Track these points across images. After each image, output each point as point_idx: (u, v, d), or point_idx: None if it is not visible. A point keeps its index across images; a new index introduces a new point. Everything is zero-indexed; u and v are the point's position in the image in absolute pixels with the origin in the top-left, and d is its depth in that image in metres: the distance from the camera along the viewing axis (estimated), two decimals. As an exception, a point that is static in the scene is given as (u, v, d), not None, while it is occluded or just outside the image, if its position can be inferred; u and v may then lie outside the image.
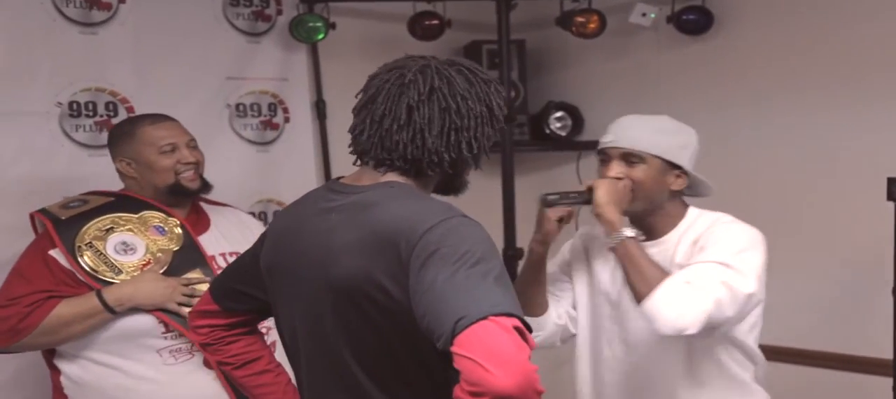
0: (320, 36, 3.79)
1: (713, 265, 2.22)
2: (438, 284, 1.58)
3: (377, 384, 1.78)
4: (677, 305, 2.15)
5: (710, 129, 3.91)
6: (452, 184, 1.92)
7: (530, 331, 1.55)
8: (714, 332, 2.23)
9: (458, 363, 1.49)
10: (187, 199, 2.92)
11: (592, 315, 2.56)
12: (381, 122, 1.80)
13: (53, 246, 2.69)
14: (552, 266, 2.63)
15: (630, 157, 2.36)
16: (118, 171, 2.88)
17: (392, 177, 1.82)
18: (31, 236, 3.17)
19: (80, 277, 2.64)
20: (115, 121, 3.40)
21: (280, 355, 2.15)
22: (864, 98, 3.53)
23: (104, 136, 3.36)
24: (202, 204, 3.01)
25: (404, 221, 1.69)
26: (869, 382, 3.49)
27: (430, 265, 1.61)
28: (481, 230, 1.70)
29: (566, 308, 2.60)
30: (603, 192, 2.28)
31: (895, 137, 3.45)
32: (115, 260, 2.68)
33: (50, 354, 2.75)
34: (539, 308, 2.54)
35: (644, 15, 3.89)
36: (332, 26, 3.79)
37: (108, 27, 3.42)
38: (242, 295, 2.06)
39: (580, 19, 3.93)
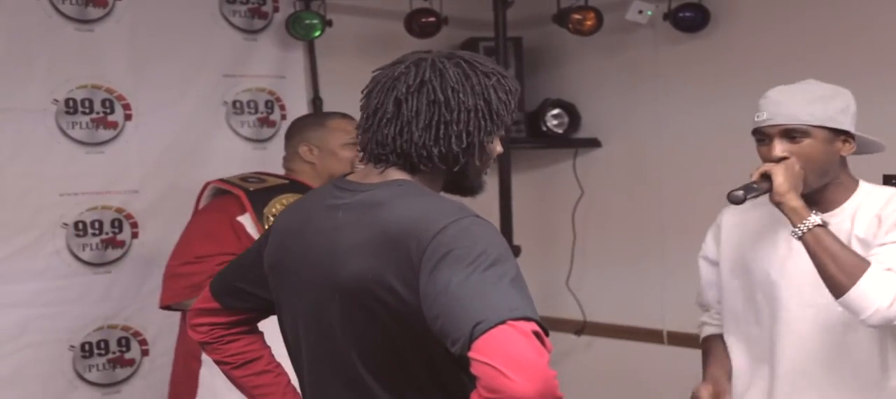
0: (317, 33, 3.77)
1: None
2: (453, 287, 1.55)
3: (384, 386, 1.75)
4: (885, 293, 2.03)
5: (707, 127, 3.93)
6: (463, 183, 1.87)
7: (547, 334, 1.52)
8: None
9: (477, 369, 1.47)
10: None
11: (740, 297, 2.44)
12: (374, 115, 1.79)
13: (242, 213, 2.87)
14: (704, 267, 2.57)
15: (792, 133, 2.20)
16: (296, 154, 3.05)
17: (396, 174, 1.79)
18: (27, 233, 3.25)
19: None
20: (111, 118, 3.42)
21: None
22: (860, 95, 3.51)
23: (101, 134, 3.41)
24: None
25: (414, 222, 1.66)
26: None
27: (443, 267, 1.58)
28: (494, 230, 1.68)
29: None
30: (782, 180, 2.13)
31: (891, 134, 3.45)
32: None
33: None
34: None
35: (641, 12, 3.89)
36: (329, 23, 3.78)
37: (105, 24, 3.40)
38: (244, 293, 2.03)
39: (577, 17, 3.93)
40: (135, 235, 3.49)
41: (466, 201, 1.84)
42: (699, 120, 3.85)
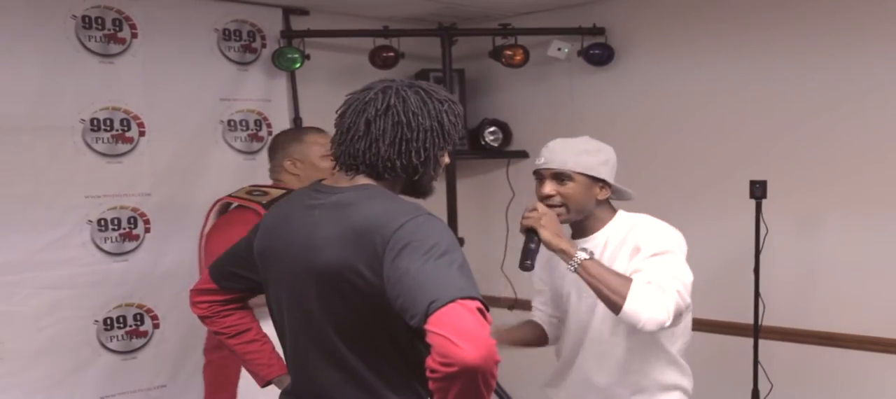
0: (297, 65, 3.78)
1: (656, 259, 2.16)
2: (412, 272, 1.55)
3: (354, 353, 1.76)
4: (651, 305, 2.07)
5: (611, 141, 4.03)
6: (417, 187, 1.86)
7: (488, 310, 1.54)
8: (679, 320, 2.18)
9: (431, 339, 1.47)
10: None
11: (556, 309, 2.53)
12: (347, 133, 1.78)
13: None
14: (537, 283, 2.60)
15: (560, 176, 2.27)
16: (281, 167, 2.87)
17: (363, 180, 1.78)
18: (58, 228, 3.24)
19: None
20: (128, 134, 3.41)
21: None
22: (727, 117, 3.63)
23: (119, 147, 3.38)
24: None
25: (379, 218, 1.66)
26: (733, 342, 3.60)
27: (403, 256, 1.58)
28: (444, 226, 1.68)
29: (549, 314, 2.57)
30: (547, 232, 2.18)
31: (756, 147, 3.57)
32: None
33: None
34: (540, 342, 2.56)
35: (559, 49, 3.94)
36: (307, 57, 3.78)
37: (123, 58, 3.40)
38: (237, 276, 2.02)
39: (508, 53, 3.97)
40: (147, 230, 3.49)
41: (420, 201, 1.84)
42: (606, 136, 3.75)
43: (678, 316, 2.13)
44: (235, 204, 2.82)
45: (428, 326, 1.49)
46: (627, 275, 2.17)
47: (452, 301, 1.49)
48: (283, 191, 2.84)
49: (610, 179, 2.34)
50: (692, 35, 3.71)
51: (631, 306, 2.08)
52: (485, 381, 1.47)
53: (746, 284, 3.35)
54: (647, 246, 2.22)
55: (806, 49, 3.42)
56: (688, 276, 2.19)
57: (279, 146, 2.93)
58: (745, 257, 3.34)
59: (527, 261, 2.22)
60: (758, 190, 3.25)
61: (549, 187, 2.29)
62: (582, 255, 2.15)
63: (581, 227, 2.36)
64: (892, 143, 3.27)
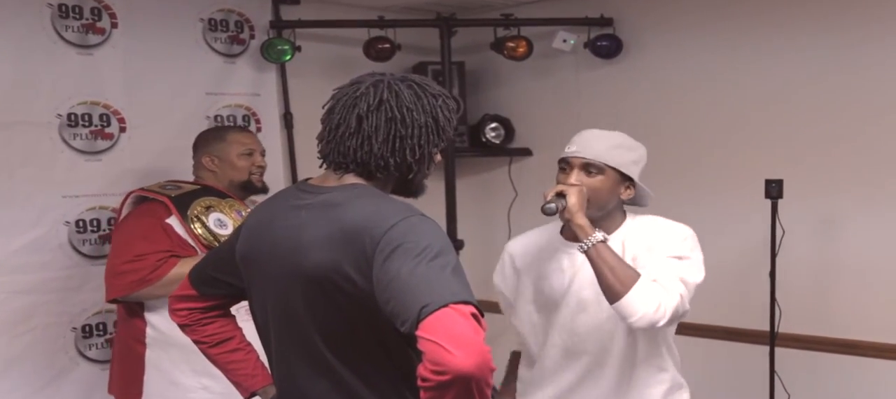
0: (287, 57, 3.78)
1: (671, 261, 2.17)
2: (403, 275, 1.55)
3: (342, 360, 1.75)
4: (650, 303, 2.07)
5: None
6: (409, 187, 1.86)
7: (483, 315, 1.53)
8: (675, 322, 2.19)
9: (423, 345, 1.47)
10: (247, 195, 3.11)
11: (528, 313, 2.44)
12: (336, 130, 1.77)
13: (169, 215, 2.86)
14: (502, 299, 2.56)
15: (590, 168, 2.22)
16: (201, 164, 3.05)
17: (352, 179, 1.78)
18: (34, 229, 3.21)
19: (192, 242, 2.85)
20: (108, 130, 3.39)
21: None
22: (741, 112, 3.64)
23: (99, 144, 3.37)
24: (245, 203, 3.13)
25: (368, 219, 1.66)
26: (748, 350, 3.59)
27: (394, 258, 1.58)
28: (437, 227, 1.68)
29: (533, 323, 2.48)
30: (574, 201, 2.14)
31: (769, 145, 3.57)
32: (216, 232, 2.87)
33: (139, 307, 2.88)
34: None
35: (565, 41, 3.95)
36: (298, 49, 3.79)
37: (102, 49, 3.37)
38: (218, 282, 2.01)
39: (511, 44, 3.98)
40: (128, 233, 3.48)
41: (418, 201, 1.84)
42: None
43: (674, 320, 2.15)
44: (143, 197, 2.99)
45: (419, 332, 1.49)
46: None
47: (445, 306, 1.49)
48: (198, 187, 3.02)
49: (638, 180, 2.31)
50: (705, 27, 3.71)
51: (631, 299, 2.08)
52: (479, 390, 1.47)
53: (762, 289, 3.36)
54: (663, 247, 2.21)
55: (824, 41, 3.42)
56: (695, 279, 2.20)
57: (201, 143, 3.09)
58: (761, 260, 3.34)
59: (551, 205, 2.16)
60: (774, 189, 3.27)
61: (575, 178, 2.23)
62: (599, 236, 2.13)
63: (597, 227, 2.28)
64: (915, 139, 3.27)
